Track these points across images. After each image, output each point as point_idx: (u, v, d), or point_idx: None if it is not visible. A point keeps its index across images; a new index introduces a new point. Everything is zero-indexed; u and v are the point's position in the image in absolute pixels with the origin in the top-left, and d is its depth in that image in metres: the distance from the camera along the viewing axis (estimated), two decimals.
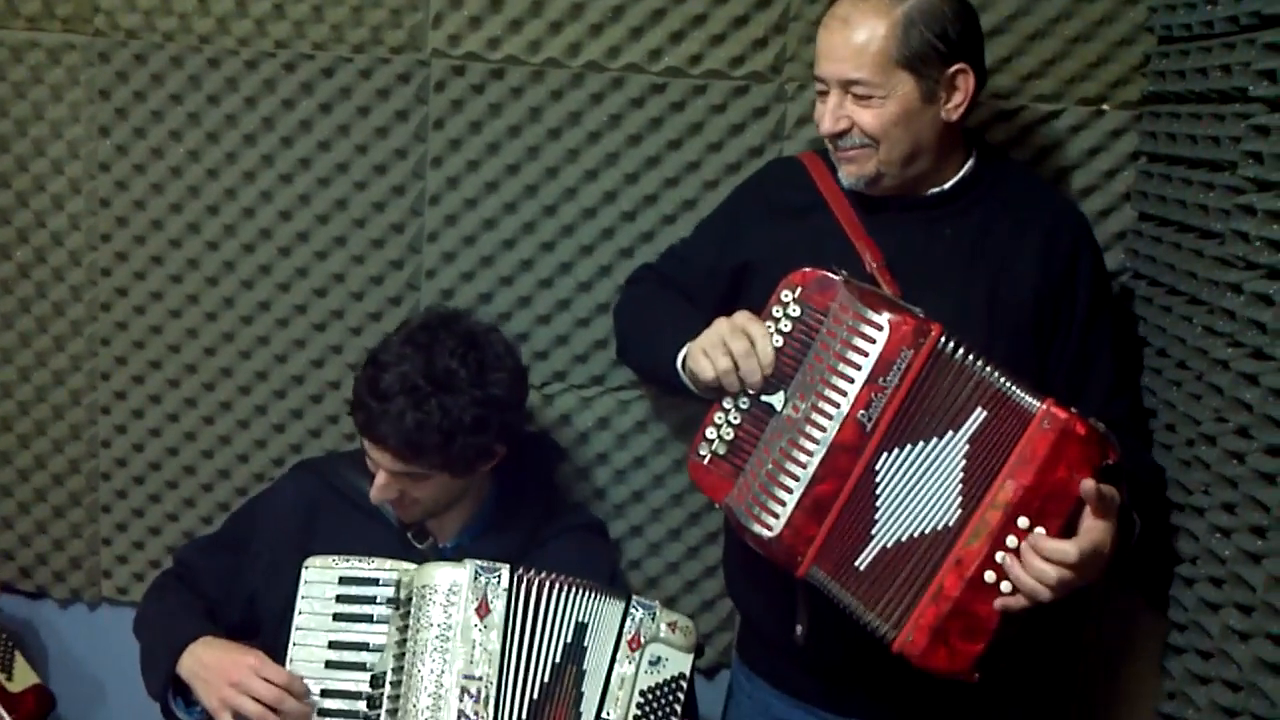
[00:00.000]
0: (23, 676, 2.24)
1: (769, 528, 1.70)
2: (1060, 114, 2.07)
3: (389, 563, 1.88)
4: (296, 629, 1.88)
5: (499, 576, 1.84)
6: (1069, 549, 1.58)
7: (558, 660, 1.85)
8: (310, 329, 2.30)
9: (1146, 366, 1.96)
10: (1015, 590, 1.62)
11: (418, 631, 1.83)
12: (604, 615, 1.89)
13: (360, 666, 1.85)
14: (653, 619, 1.90)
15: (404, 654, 1.83)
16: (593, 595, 1.88)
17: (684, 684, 1.91)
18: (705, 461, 1.78)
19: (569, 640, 1.86)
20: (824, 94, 1.80)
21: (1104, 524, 1.61)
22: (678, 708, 1.90)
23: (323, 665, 1.87)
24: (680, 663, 1.91)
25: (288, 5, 2.18)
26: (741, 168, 2.14)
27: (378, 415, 1.85)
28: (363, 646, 1.85)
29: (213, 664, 1.87)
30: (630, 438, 2.28)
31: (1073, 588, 1.60)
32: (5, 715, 2.15)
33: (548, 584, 1.86)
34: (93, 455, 2.42)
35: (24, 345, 2.38)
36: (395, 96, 2.20)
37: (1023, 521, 1.62)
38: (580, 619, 1.87)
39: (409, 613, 1.84)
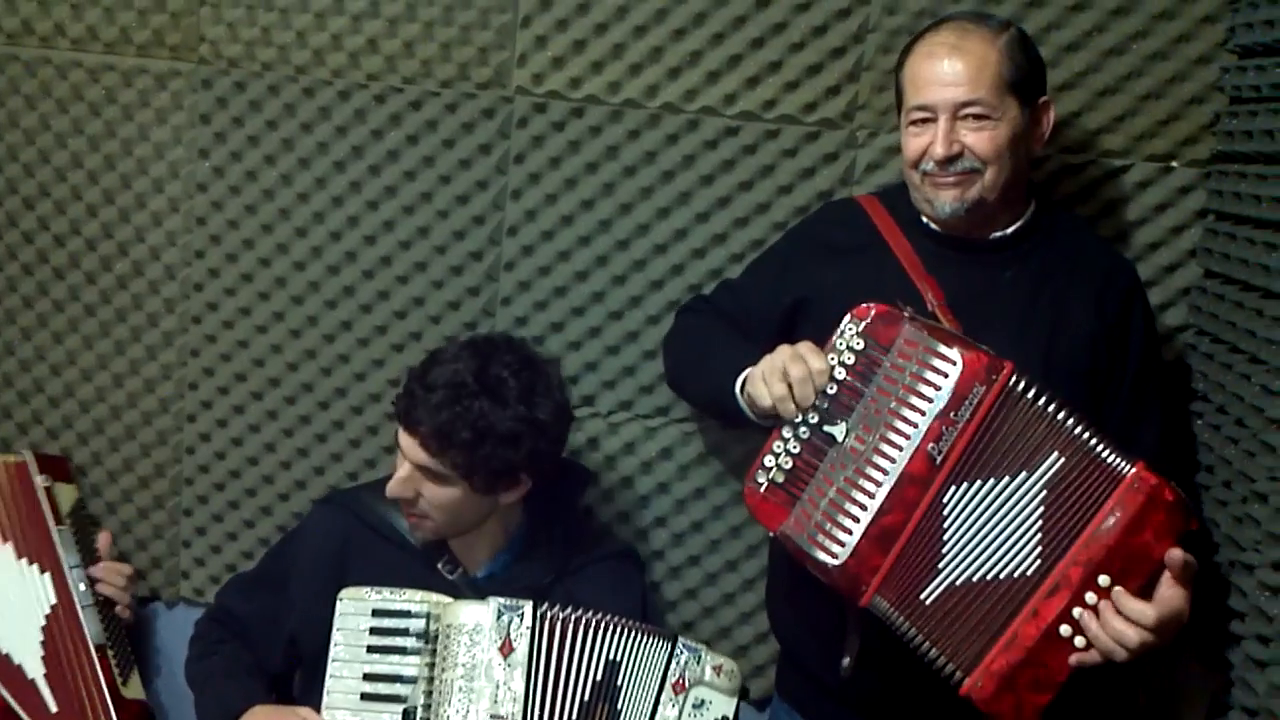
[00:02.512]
0: (134, 690, 2.29)
1: (834, 555, 1.72)
2: (1129, 169, 2.09)
3: (420, 594, 1.89)
4: (332, 661, 1.90)
5: (522, 614, 1.85)
6: (1149, 612, 1.61)
7: (587, 698, 1.85)
8: (389, 349, 2.39)
9: (1206, 423, 1.97)
10: (1090, 646, 1.64)
11: (444, 671, 1.84)
12: (644, 655, 1.88)
13: (394, 699, 1.87)
14: (698, 661, 1.90)
15: (432, 691, 1.85)
16: (628, 633, 1.87)
17: None
18: (762, 489, 1.80)
19: (599, 678, 1.85)
20: (923, 122, 1.82)
21: (1183, 591, 1.63)
22: None
23: (358, 698, 1.88)
24: (724, 706, 1.91)
25: (381, 40, 2.28)
26: (810, 211, 2.18)
27: (419, 401, 1.90)
28: (396, 679, 1.87)
29: None
30: (692, 469, 2.32)
31: (1148, 650, 1.62)
32: (114, 713, 2.20)
33: (572, 622, 1.86)
34: (177, 461, 2.53)
35: (118, 353, 2.50)
36: (479, 130, 2.28)
37: (1103, 580, 1.64)
38: (612, 657, 1.86)
39: (436, 650, 1.86)
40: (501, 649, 1.84)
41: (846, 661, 1.85)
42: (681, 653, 1.90)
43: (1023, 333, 1.83)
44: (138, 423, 2.52)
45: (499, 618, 1.84)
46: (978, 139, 1.79)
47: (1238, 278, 1.91)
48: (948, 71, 1.79)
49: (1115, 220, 2.11)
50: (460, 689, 1.83)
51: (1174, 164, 2.09)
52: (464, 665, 1.84)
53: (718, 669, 1.91)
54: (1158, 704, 2.09)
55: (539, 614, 1.86)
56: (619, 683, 1.87)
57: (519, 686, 1.82)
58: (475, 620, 1.85)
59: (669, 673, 1.89)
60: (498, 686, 1.82)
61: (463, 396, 1.89)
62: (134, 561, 2.57)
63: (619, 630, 1.87)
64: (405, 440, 1.93)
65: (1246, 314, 1.85)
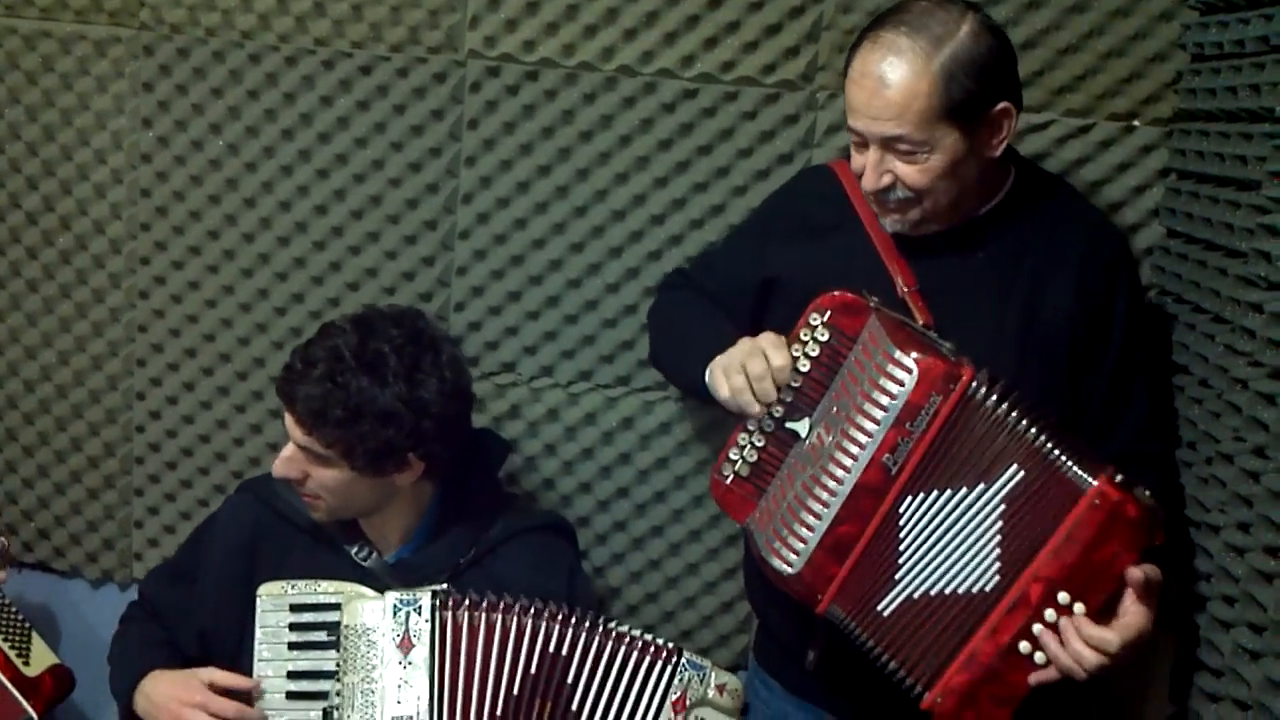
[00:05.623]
0: (40, 659, 2.20)
1: (789, 564, 1.70)
2: (1091, 128, 2.07)
3: (334, 585, 1.84)
4: (257, 661, 1.85)
5: (419, 607, 1.79)
6: (1112, 637, 1.57)
7: (515, 691, 1.78)
8: None
9: (1171, 383, 1.95)
10: (1050, 664, 1.62)
11: (346, 674, 1.80)
12: (629, 665, 1.83)
13: (320, 695, 1.82)
14: (701, 680, 1.86)
15: (342, 693, 1.80)
16: (574, 626, 1.81)
17: None
18: (728, 481, 1.79)
19: (532, 671, 1.79)
20: (860, 145, 1.73)
21: (1146, 608, 1.59)
22: None
23: (284, 696, 1.85)
24: None
25: (328, 4, 2.22)
26: (771, 174, 2.16)
27: (295, 377, 1.84)
28: (319, 674, 1.82)
29: (163, 694, 1.86)
30: (654, 439, 2.29)
31: (1111, 669, 1.59)
32: (25, 703, 2.14)
33: (483, 609, 1.79)
34: (127, 439, 2.47)
35: (63, 330, 2.44)
36: (431, 96, 2.23)
37: (1063, 597, 1.60)
38: (551, 649, 1.80)
39: (343, 648, 1.81)
40: (400, 645, 1.79)
41: (811, 656, 1.85)
42: (685, 670, 1.85)
43: (997, 316, 1.78)
44: (85, 401, 2.47)
45: (395, 614, 1.79)
46: (908, 171, 1.69)
47: (1200, 237, 1.90)
48: (875, 105, 1.66)
49: (1077, 180, 2.09)
50: (363, 692, 1.79)
51: (1136, 123, 2.07)
52: (364, 668, 1.79)
53: (721, 688, 1.87)
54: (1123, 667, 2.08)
55: (437, 604, 1.79)
56: (568, 679, 1.81)
57: (421, 682, 1.77)
58: (372, 618, 1.80)
59: (670, 689, 1.84)
60: (399, 686, 1.77)
61: (339, 373, 1.81)
62: (85, 545, 2.53)
63: (559, 620, 1.81)
64: (287, 418, 1.87)
65: (1210, 273, 1.84)
